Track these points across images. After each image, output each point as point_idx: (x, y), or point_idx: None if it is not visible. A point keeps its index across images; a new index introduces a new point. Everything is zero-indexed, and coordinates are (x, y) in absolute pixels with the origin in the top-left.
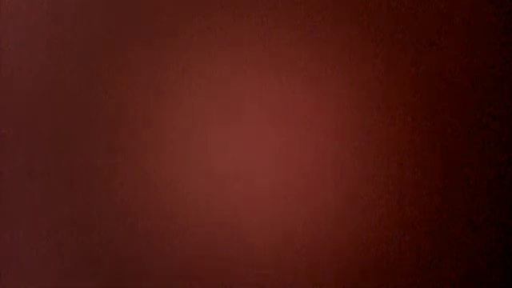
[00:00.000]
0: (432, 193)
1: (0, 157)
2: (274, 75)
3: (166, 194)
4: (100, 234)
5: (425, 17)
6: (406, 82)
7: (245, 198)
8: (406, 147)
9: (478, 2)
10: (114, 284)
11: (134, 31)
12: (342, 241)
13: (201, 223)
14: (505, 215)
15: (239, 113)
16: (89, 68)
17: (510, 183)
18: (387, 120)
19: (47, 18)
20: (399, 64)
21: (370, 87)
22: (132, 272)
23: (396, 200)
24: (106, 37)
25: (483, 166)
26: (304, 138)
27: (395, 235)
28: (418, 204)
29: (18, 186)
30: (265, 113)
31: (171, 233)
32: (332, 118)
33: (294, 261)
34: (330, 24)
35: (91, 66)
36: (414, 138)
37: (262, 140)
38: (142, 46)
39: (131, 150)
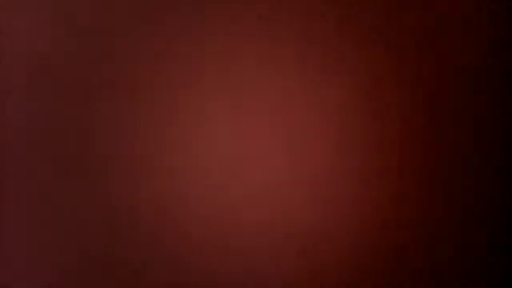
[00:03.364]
0: (432, 193)
1: (0, 157)
2: (276, 74)
3: (166, 193)
4: (100, 232)
5: (424, 17)
6: (405, 83)
7: (245, 197)
8: (407, 147)
9: (478, 2)
10: (113, 283)
11: (134, 28)
12: (342, 241)
13: (200, 220)
14: (505, 215)
15: (240, 111)
16: (89, 67)
17: (510, 183)
18: (387, 121)
19: (47, 17)
20: (399, 64)
21: (371, 87)
22: (132, 272)
23: (396, 200)
24: (107, 34)
25: (483, 165)
26: (306, 139)
27: (395, 235)
28: (418, 204)
29: (18, 186)
30: (266, 111)
31: (171, 229)
32: (333, 118)
33: (294, 261)
34: (331, 24)
35: (91, 64)
36: (415, 139)
37: (263, 140)
38: (142, 44)
39: (131, 150)
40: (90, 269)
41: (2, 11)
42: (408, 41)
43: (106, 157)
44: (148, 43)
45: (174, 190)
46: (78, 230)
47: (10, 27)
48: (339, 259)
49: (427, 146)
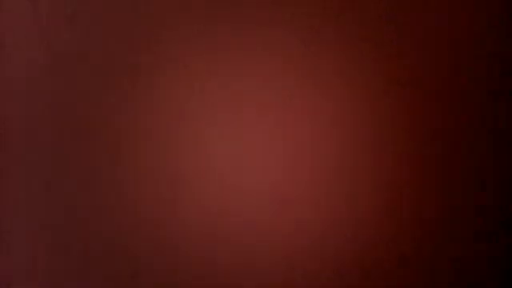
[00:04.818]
0: (432, 193)
1: (0, 157)
2: (274, 75)
3: (166, 194)
4: (99, 233)
5: (423, 18)
6: (404, 83)
7: (243, 198)
8: (407, 147)
9: (478, 2)
10: (113, 283)
11: (134, 32)
12: (342, 241)
13: (200, 222)
14: (505, 215)
15: (238, 112)
16: (89, 68)
17: (510, 183)
18: (387, 121)
19: (47, 17)
20: (398, 65)
21: (370, 88)
22: (131, 272)
23: (396, 200)
24: (106, 37)
25: (483, 165)
26: (305, 139)
27: (395, 235)
28: (417, 204)
29: (18, 185)
30: (264, 113)
31: (170, 231)
32: (332, 118)
33: (293, 261)
34: (330, 25)
35: (91, 66)
36: (415, 138)
37: (262, 140)
38: (142, 48)
39: (131, 150)
40: (90, 269)
41: (2, 13)
42: (408, 41)
43: (107, 157)
44: (150, 50)
45: (175, 192)
46: (79, 230)
47: (10, 29)
48: (338, 259)
49: (427, 146)
